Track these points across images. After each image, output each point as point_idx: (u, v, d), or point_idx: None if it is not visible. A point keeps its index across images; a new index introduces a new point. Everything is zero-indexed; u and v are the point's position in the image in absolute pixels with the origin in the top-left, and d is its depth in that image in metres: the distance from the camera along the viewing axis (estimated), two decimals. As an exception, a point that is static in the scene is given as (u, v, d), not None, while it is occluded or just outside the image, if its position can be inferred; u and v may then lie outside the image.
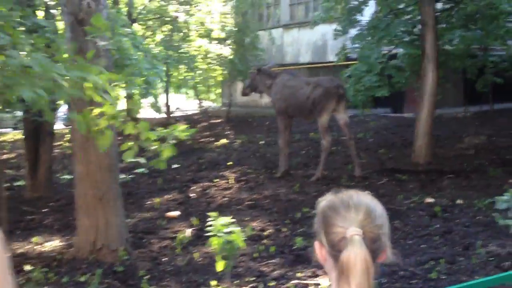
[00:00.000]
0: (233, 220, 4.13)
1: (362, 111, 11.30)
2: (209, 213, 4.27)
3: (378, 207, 1.59)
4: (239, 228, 4.04)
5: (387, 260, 1.60)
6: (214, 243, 4.03)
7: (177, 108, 30.75)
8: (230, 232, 3.95)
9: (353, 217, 1.53)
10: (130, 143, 3.60)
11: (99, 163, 5.57)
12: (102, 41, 4.27)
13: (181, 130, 3.58)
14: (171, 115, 24.39)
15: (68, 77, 3.25)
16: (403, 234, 6.56)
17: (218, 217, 3.99)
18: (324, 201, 1.63)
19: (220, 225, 3.93)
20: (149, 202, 8.62)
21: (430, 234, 6.43)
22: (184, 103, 31.66)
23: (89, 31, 3.49)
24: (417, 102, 11.38)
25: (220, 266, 4.15)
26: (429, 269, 5.24)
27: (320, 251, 1.58)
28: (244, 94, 11.05)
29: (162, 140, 3.75)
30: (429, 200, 7.92)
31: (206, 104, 24.01)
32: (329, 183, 9.30)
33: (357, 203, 1.57)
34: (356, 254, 1.46)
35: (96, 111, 3.51)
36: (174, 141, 3.71)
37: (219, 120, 19.73)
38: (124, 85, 5.88)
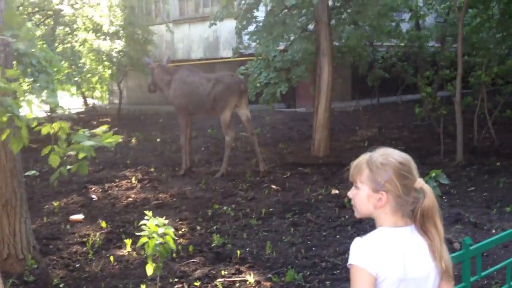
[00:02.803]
0: (167, 220, 3.94)
1: (272, 106, 11.36)
2: (145, 212, 4.05)
3: None
4: (172, 229, 3.87)
5: None
6: (145, 244, 3.83)
7: (60, 106, 29.28)
8: (164, 234, 3.77)
9: (415, 171, 1.96)
10: (50, 146, 3.30)
11: (2, 166, 5.10)
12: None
13: (107, 138, 3.32)
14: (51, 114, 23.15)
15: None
16: (316, 226, 6.69)
17: (152, 217, 3.79)
18: (387, 157, 1.97)
19: (155, 225, 3.74)
20: (47, 207, 8.06)
21: (342, 225, 6.62)
22: (67, 101, 30.18)
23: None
24: (312, 97, 11.68)
25: (150, 269, 3.95)
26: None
27: (386, 199, 1.96)
28: (150, 91, 10.67)
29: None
30: (335, 191, 8.16)
31: (92, 102, 22.98)
32: (234, 178, 9.29)
33: (408, 158, 1.98)
34: (434, 198, 1.93)
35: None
36: (93, 143, 3.47)
37: (108, 119, 19.00)
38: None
